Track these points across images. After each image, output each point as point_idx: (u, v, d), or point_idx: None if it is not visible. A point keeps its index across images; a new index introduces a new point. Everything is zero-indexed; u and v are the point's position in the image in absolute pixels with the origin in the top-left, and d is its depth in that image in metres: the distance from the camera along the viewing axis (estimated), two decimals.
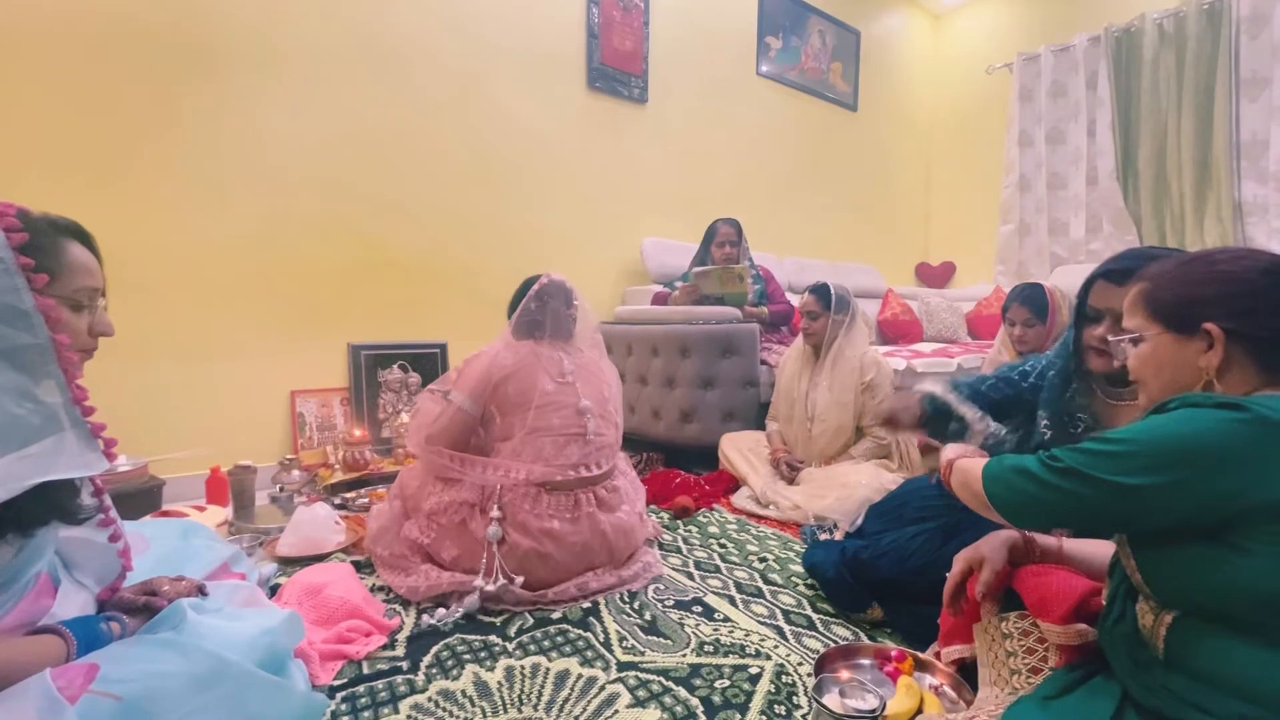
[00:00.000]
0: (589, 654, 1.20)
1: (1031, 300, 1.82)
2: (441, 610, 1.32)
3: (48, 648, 0.76)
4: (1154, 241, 3.76)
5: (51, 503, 0.77)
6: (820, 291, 2.24)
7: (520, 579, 1.36)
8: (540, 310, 1.61)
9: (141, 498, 1.81)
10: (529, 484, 1.44)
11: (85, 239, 0.86)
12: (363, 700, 1.04)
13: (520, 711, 1.02)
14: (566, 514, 1.44)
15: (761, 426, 2.49)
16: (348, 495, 2.08)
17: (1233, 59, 3.44)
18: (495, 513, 1.40)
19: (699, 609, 1.39)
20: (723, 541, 1.81)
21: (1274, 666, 0.62)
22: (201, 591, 0.99)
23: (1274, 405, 0.64)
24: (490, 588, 1.34)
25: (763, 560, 1.67)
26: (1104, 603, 0.82)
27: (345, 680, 1.09)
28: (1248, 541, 0.63)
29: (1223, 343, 0.70)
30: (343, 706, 1.02)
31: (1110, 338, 1.06)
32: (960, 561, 1.00)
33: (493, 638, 1.24)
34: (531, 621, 1.31)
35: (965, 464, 0.89)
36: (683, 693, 1.07)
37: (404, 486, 1.57)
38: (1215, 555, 0.65)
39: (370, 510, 1.66)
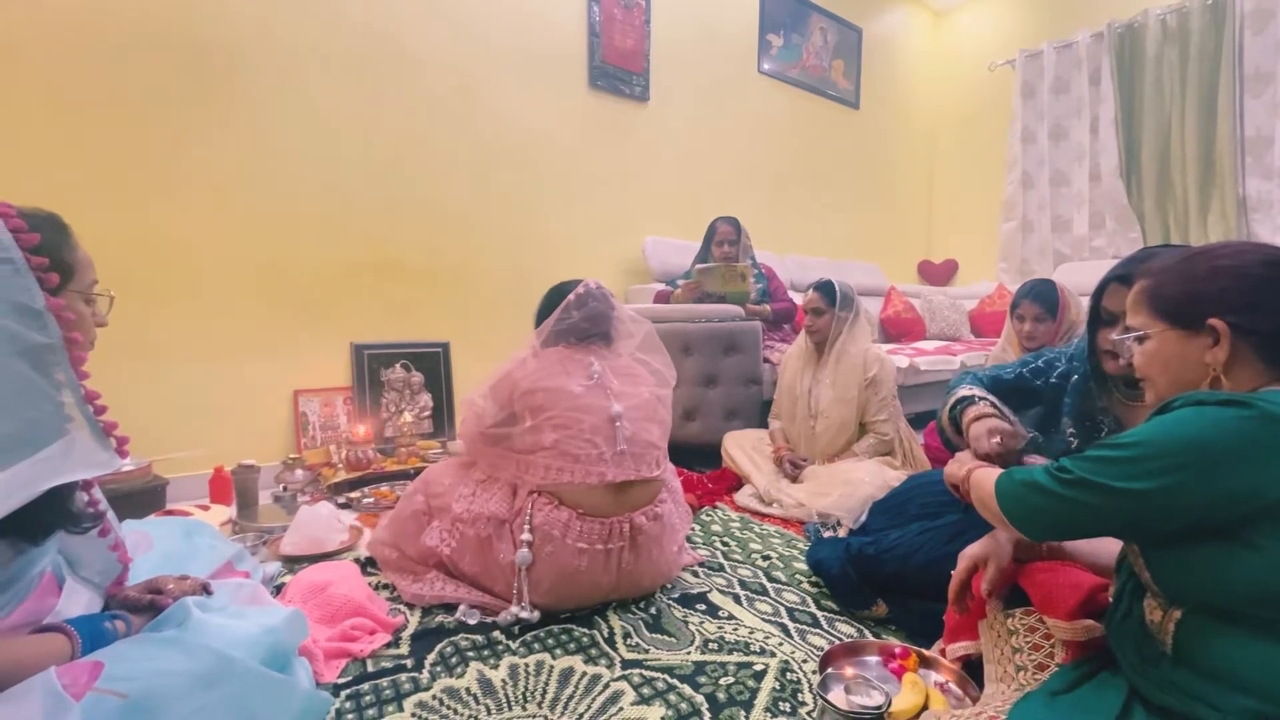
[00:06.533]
0: (593, 651, 1.20)
1: (1043, 296, 1.79)
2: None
3: (53, 646, 0.76)
4: (1157, 238, 3.74)
5: (60, 509, 0.78)
6: (825, 288, 2.24)
7: (537, 614, 1.30)
8: (580, 315, 1.54)
9: (145, 497, 1.81)
10: (560, 506, 1.35)
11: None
12: (367, 698, 1.04)
13: (525, 709, 1.02)
14: (599, 544, 1.33)
15: (764, 424, 2.49)
16: (351, 494, 2.08)
17: (1236, 54, 3.42)
18: (526, 535, 1.31)
19: (703, 606, 1.39)
20: (726, 539, 1.81)
21: None
22: (206, 590, 1.00)
23: None
24: (525, 615, 1.28)
25: (766, 558, 1.67)
26: (1111, 599, 0.82)
27: (350, 678, 1.09)
28: (1258, 538, 0.63)
29: (1228, 338, 0.69)
30: (347, 704, 1.02)
31: (1114, 336, 1.05)
32: (965, 558, 0.99)
33: (496, 635, 1.24)
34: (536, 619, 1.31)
35: (980, 479, 0.89)
36: (687, 690, 1.07)
37: (429, 484, 1.50)
38: (1224, 553, 0.64)
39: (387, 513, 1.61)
